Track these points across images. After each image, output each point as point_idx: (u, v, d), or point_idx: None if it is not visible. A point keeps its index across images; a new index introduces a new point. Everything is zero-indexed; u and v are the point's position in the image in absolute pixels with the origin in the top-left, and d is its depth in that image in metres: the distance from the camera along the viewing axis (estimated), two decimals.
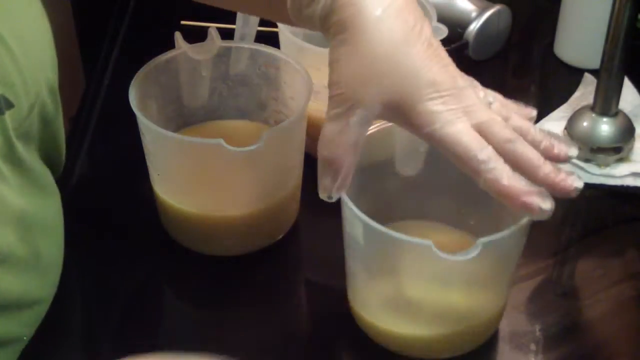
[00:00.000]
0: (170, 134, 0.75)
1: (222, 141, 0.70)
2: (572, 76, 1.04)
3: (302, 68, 0.79)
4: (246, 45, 0.83)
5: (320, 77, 0.84)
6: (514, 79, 1.10)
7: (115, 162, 0.90)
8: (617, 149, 0.90)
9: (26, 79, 0.62)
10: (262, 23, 0.92)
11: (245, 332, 0.74)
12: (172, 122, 0.85)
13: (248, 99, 0.86)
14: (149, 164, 0.79)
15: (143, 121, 0.74)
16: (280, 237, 0.81)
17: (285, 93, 0.79)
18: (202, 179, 0.78)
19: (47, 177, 0.70)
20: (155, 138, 0.75)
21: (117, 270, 0.80)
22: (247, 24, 0.92)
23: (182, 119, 0.86)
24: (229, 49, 0.83)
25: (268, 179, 0.78)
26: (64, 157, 0.75)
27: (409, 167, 0.75)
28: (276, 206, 0.79)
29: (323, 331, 0.76)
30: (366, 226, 0.66)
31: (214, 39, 0.82)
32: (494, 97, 0.63)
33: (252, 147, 0.71)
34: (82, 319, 0.74)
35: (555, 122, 0.96)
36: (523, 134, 0.61)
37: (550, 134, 0.63)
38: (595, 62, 0.91)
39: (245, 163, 0.75)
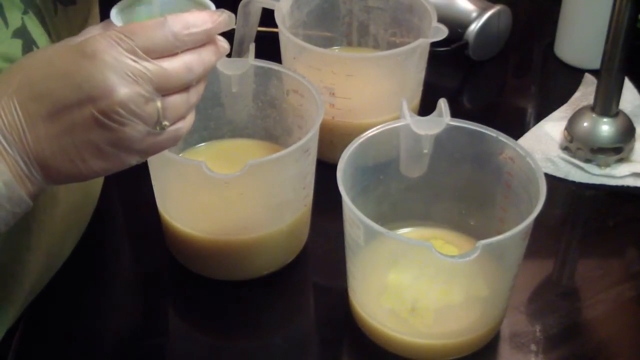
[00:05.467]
0: None
1: (203, 164, 0.69)
2: (572, 76, 1.04)
3: (321, 101, 0.76)
4: (276, 68, 0.81)
5: (321, 77, 0.85)
6: (514, 79, 1.10)
7: None
8: (617, 149, 0.90)
9: None
10: (262, 23, 0.92)
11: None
12: (195, 134, 0.84)
13: (275, 122, 0.85)
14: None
15: None
16: (290, 261, 0.80)
17: (308, 123, 0.79)
18: (194, 198, 0.77)
19: None
20: None
21: (119, 280, 0.81)
22: (247, 24, 0.92)
23: (208, 132, 0.85)
24: (262, 67, 0.81)
25: (270, 205, 0.77)
26: None
27: (414, 169, 0.75)
28: (285, 230, 0.78)
29: (324, 332, 0.76)
30: (366, 227, 0.66)
31: (248, 56, 0.80)
32: None
33: (229, 175, 0.70)
34: (86, 344, 0.75)
35: (556, 122, 0.96)
36: None
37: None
38: (595, 62, 0.92)
39: (234, 188, 0.74)
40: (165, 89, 0.57)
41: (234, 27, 0.62)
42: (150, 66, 0.55)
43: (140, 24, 0.56)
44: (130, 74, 0.55)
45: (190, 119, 0.60)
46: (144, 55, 0.55)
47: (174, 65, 0.57)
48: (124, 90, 0.54)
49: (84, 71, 0.54)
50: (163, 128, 0.57)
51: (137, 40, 0.55)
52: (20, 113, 0.55)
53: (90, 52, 0.55)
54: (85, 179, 0.58)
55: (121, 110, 0.55)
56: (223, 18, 0.59)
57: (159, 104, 0.56)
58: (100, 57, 0.54)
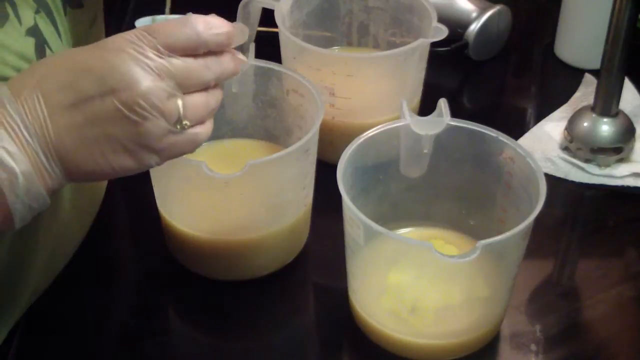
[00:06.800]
0: None
1: (203, 164, 0.69)
2: (572, 76, 1.04)
3: (321, 101, 0.76)
4: (276, 68, 0.81)
5: (321, 77, 0.85)
6: (514, 79, 1.10)
7: None
8: (617, 150, 0.90)
9: None
10: (262, 23, 0.92)
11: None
12: None
13: (276, 122, 0.85)
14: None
15: None
16: (290, 261, 0.80)
17: (308, 123, 0.78)
18: (194, 198, 0.77)
19: None
20: None
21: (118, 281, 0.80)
22: (247, 24, 0.92)
23: None
24: (262, 67, 0.81)
25: (270, 205, 0.77)
26: None
27: (414, 169, 0.75)
28: (285, 230, 0.78)
29: (324, 332, 0.76)
30: (366, 227, 0.66)
31: (248, 56, 0.80)
32: None
33: (229, 175, 0.70)
34: (87, 343, 0.75)
35: (556, 122, 0.96)
36: None
37: None
38: (595, 62, 0.92)
39: (234, 188, 0.74)
40: (186, 86, 0.57)
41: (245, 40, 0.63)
42: (172, 61, 0.56)
43: (162, 23, 0.57)
44: (153, 68, 0.55)
45: (209, 126, 0.60)
46: (167, 52, 0.56)
47: (196, 62, 0.57)
48: (146, 83, 0.55)
49: (107, 64, 0.55)
50: (183, 127, 0.58)
51: (159, 37, 0.56)
52: (43, 104, 0.55)
53: (112, 47, 0.56)
54: (103, 178, 0.59)
55: (143, 103, 0.55)
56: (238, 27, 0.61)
57: (179, 101, 0.57)
58: (123, 51, 0.55)
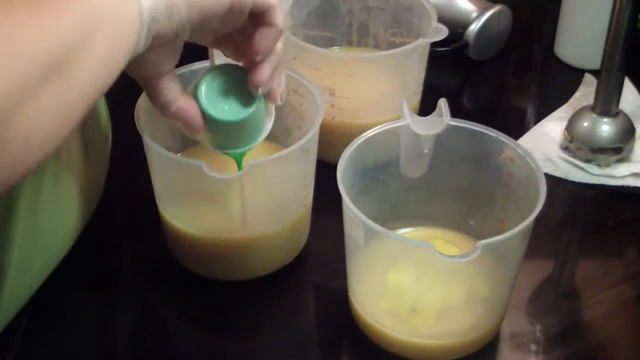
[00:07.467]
0: (155, 146, 0.72)
1: (203, 164, 0.69)
2: (572, 76, 1.04)
3: (321, 101, 0.76)
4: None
5: (321, 77, 0.85)
6: (514, 79, 1.10)
7: (116, 162, 0.90)
8: (617, 150, 0.90)
9: None
10: None
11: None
12: None
13: (275, 122, 0.84)
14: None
15: (139, 129, 0.73)
16: (290, 261, 0.80)
17: (307, 123, 0.78)
18: (196, 198, 0.77)
19: None
20: (147, 148, 0.74)
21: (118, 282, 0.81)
22: None
23: None
24: None
25: (270, 205, 0.77)
26: None
27: (414, 169, 0.76)
28: (285, 230, 0.78)
29: (324, 332, 0.76)
30: (366, 227, 0.66)
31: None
32: None
33: (229, 175, 0.70)
34: (86, 344, 0.75)
35: (556, 122, 0.96)
36: None
37: None
38: (595, 62, 0.92)
39: (234, 188, 0.74)
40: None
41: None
42: None
43: None
44: None
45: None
46: None
47: None
48: None
49: None
50: None
51: None
52: None
53: None
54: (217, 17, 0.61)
55: None
56: None
57: None
58: None
